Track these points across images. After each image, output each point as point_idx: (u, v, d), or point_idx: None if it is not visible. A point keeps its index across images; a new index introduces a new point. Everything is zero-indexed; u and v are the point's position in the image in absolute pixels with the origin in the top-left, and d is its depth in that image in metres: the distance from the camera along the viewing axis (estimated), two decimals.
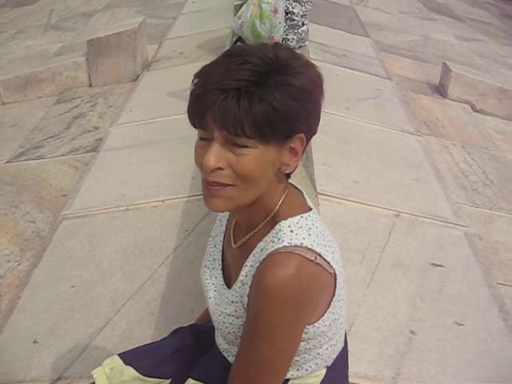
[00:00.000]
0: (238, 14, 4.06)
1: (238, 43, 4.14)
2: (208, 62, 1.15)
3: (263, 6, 3.81)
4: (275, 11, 3.78)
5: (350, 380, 1.48)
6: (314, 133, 1.19)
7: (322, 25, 6.06)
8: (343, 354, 1.34)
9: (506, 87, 5.52)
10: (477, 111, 5.31)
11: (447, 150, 4.34)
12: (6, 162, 4.02)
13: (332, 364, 1.29)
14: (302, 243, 1.12)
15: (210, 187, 1.12)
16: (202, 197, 1.17)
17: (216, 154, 1.09)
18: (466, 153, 4.39)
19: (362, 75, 5.04)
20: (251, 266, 1.18)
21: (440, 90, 5.46)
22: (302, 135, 1.14)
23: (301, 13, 3.91)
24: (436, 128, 4.67)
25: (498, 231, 3.48)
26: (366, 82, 4.95)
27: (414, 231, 3.03)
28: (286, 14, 3.88)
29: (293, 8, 3.87)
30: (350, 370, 1.43)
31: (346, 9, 7.38)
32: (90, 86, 5.16)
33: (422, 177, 3.59)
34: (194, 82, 1.12)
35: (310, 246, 1.12)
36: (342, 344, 1.33)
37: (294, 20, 3.90)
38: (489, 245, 3.31)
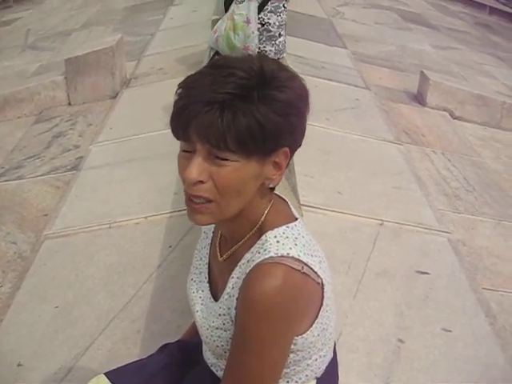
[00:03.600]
0: (214, 29, 4.06)
1: (216, 57, 4.15)
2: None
3: (235, 17, 3.82)
4: (248, 21, 3.79)
5: None
6: (299, 146, 1.18)
7: (300, 37, 6.09)
8: (333, 365, 1.33)
9: (483, 94, 5.59)
10: (456, 118, 5.36)
11: (428, 158, 4.37)
12: None
13: (322, 375, 1.28)
14: (288, 253, 1.11)
15: (191, 203, 1.12)
16: (184, 212, 1.17)
17: (198, 167, 1.08)
18: (447, 160, 4.43)
19: (340, 86, 5.07)
20: (238, 277, 1.17)
21: (418, 99, 5.51)
22: (287, 149, 1.13)
23: (277, 23, 3.91)
24: (416, 136, 4.70)
25: (481, 236, 3.50)
26: (344, 92, 4.98)
27: (398, 239, 3.03)
28: (262, 25, 3.88)
29: (268, 19, 3.88)
30: (338, 382, 1.42)
31: (323, 21, 7.43)
32: (69, 104, 5.14)
33: (404, 185, 3.60)
34: (178, 91, 1.11)
35: (296, 256, 1.11)
36: (332, 354, 1.32)
37: (270, 31, 3.91)
38: (473, 250, 3.33)
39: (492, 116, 5.47)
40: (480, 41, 9.32)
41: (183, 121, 1.08)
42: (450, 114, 5.36)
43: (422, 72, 5.56)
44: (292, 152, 1.15)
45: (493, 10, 11.52)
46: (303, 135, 1.17)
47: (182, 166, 1.11)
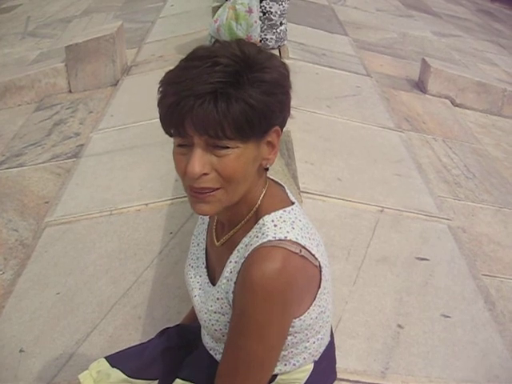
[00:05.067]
0: (215, 18, 4.06)
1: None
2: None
3: (237, 7, 3.81)
4: (250, 11, 3.79)
5: (340, 376, 1.49)
6: (286, 123, 1.20)
7: (301, 24, 6.06)
8: (330, 349, 1.34)
9: (484, 81, 5.57)
10: (457, 105, 5.35)
11: (429, 145, 4.37)
12: None
13: (319, 358, 1.29)
14: (286, 237, 1.12)
15: (196, 194, 1.12)
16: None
17: (200, 160, 1.08)
18: (448, 147, 4.42)
19: (341, 73, 5.05)
20: (236, 262, 1.18)
21: (420, 86, 5.50)
22: (278, 128, 1.15)
23: (278, 12, 3.91)
24: (417, 123, 4.70)
25: (481, 223, 3.51)
26: (345, 79, 4.96)
27: (398, 226, 3.04)
28: (264, 13, 3.88)
29: (270, 8, 3.88)
30: (338, 366, 1.44)
31: (325, 8, 7.40)
32: (70, 91, 5.13)
33: (405, 172, 3.60)
34: (162, 89, 1.11)
35: (294, 240, 1.12)
36: (329, 338, 1.33)
37: (271, 20, 3.91)
38: (473, 237, 3.33)
39: (493, 103, 5.46)
40: (482, 28, 9.29)
41: (177, 117, 1.07)
42: (451, 102, 5.36)
43: (423, 59, 5.55)
44: (281, 130, 1.17)
45: None
46: (289, 112, 1.19)
47: (180, 162, 1.12)
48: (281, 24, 4.01)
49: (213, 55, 1.09)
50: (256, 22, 3.81)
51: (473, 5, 10.99)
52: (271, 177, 1.26)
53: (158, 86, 1.12)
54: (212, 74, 1.06)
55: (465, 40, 8.09)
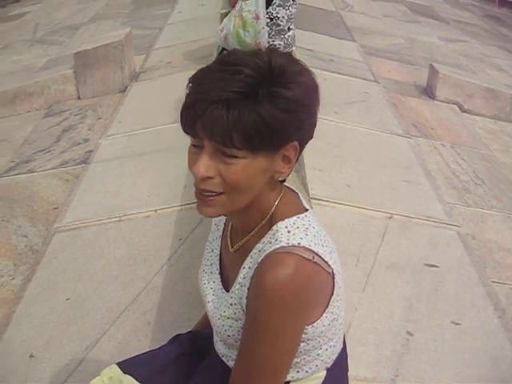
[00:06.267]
0: (221, 27, 4.04)
1: (224, 52, 4.14)
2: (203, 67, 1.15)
3: (244, 14, 3.81)
4: (257, 17, 3.78)
5: (350, 383, 1.48)
6: (310, 138, 1.18)
7: (309, 30, 6.08)
8: (343, 356, 1.34)
9: (492, 87, 5.57)
10: (465, 111, 5.35)
11: (437, 151, 4.37)
12: None
13: (332, 365, 1.29)
14: (299, 243, 1.12)
15: (201, 196, 1.13)
16: (194, 205, 1.18)
17: (205, 164, 1.09)
18: (456, 153, 4.42)
19: (349, 79, 5.06)
20: (249, 267, 1.18)
21: (428, 92, 5.50)
22: (296, 143, 1.13)
23: (286, 17, 3.90)
24: (425, 129, 4.70)
25: (491, 230, 3.50)
26: (353, 85, 4.97)
27: (407, 232, 3.03)
28: (271, 19, 3.87)
29: (277, 13, 3.86)
30: (348, 373, 1.43)
31: (332, 14, 7.42)
32: (79, 98, 5.16)
33: (413, 178, 3.60)
34: (189, 85, 1.13)
35: (307, 246, 1.12)
36: (341, 345, 1.33)
37: (279, 25, 3.90)
38: (482, 244, 3.32)
39: (501, 109, 5.46)
40: (489, 33, 9.28)
41: (190, 117, 1.09)
42: (460, 107, 5.35)
43: (431, 65, 5.55)
44: (302, 145, 1.16)
45: (502, 2, 11.47)
46: (313, 129, 1.17)
47: (191, 161, 1.13)
48: (289, 29, 4.00)
49: (238, 63, 1.08)
50: (263, 28, 3.80)
51: (480, 10, 10.98)
52: (286, 184, 1.26)
53: (188, 81, 1.13)
54: (231, 82, 1.06)
55: (472, 45, 8.09)
